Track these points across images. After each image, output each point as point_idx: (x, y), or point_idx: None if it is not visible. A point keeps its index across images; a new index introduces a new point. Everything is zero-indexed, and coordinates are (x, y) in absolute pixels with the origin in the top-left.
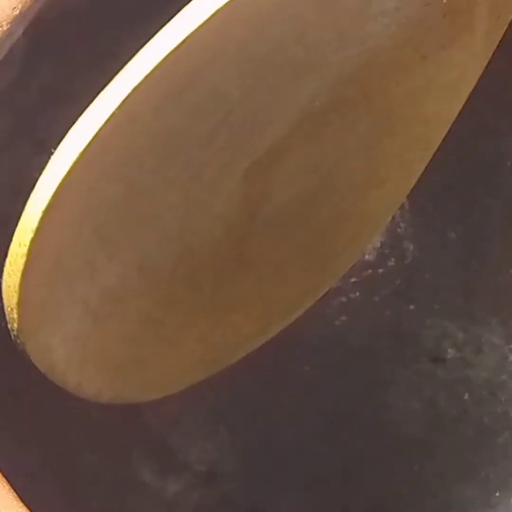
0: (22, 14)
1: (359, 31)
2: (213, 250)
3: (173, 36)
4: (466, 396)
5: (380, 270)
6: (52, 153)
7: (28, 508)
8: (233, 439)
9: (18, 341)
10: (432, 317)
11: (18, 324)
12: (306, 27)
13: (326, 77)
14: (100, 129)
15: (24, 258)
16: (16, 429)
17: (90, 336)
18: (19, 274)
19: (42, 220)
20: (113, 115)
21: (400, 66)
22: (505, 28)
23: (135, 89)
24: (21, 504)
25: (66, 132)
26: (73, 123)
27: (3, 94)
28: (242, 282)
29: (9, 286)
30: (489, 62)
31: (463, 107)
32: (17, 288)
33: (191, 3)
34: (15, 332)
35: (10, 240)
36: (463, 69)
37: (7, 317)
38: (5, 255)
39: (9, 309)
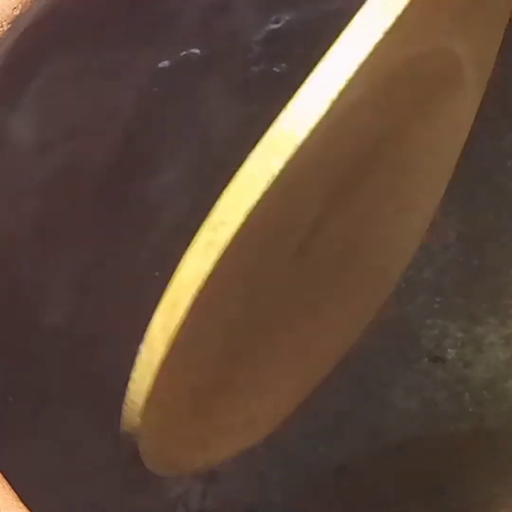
0: (22, 14)
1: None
2: (283, 305)
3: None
4: (466, 396)
5: None
6: (138, 352)
7: (28, 508)
8: None
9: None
10: (432, 317)
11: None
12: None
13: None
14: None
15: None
16: (16, 429)
17: (204, 432)
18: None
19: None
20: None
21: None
22: (490, 73)
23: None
24: (21, 504)
25: None
26: None
27: None
28: (315, 330)
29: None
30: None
31: None
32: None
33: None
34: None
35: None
36: (460, 117)
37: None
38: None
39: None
